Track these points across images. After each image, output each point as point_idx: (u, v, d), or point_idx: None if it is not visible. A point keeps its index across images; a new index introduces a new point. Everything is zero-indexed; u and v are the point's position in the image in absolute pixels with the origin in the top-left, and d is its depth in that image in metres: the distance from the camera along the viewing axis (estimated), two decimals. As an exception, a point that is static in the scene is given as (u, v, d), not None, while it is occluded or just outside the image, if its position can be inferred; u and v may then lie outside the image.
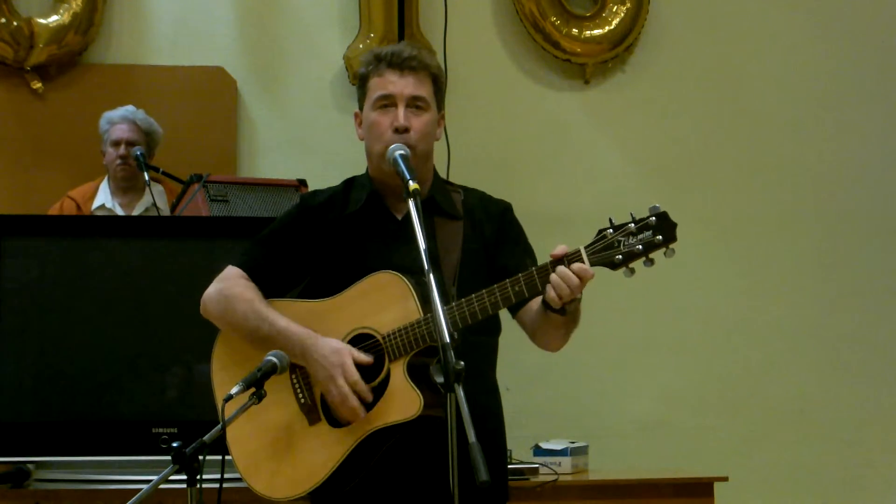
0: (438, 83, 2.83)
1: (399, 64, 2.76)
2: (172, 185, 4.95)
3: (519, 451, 3.83)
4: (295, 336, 2.69)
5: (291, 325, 2.71)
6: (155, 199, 4.75)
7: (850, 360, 5.48)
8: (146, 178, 4.82)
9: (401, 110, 2.74)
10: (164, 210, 4.78)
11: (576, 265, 2.49)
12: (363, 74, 2.81)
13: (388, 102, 2.75)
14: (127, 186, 4.93)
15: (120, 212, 4.90)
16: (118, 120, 4.89)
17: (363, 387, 2.63)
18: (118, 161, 4.86)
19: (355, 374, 2.62)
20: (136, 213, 4.90)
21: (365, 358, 2.65)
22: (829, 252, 5.54)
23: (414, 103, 2.76)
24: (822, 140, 5.60)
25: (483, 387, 2.79)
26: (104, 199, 4.92)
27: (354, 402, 2.62)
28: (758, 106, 5.59)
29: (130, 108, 4.94)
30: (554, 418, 5.03)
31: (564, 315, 2.59)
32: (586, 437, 4.40)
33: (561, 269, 2.50)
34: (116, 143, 4.88)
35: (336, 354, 2.64)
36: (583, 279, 2.49)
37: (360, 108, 2.83)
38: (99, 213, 4.89)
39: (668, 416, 5.35)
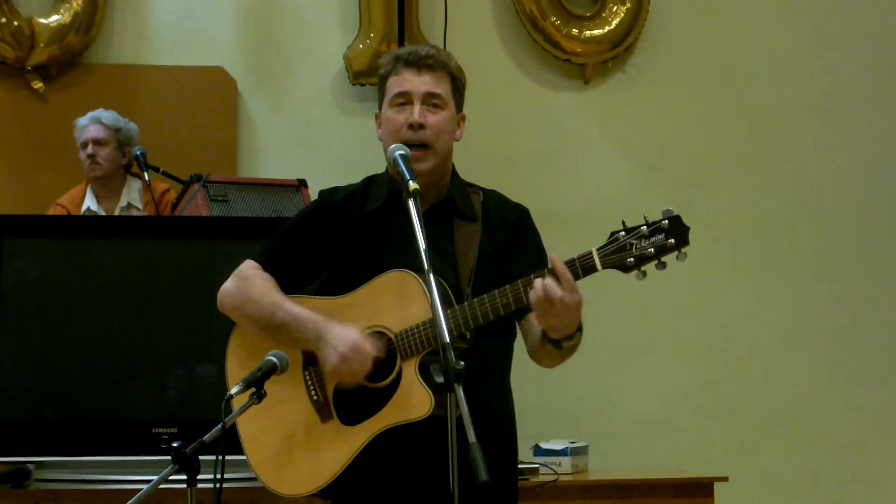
0: (457, 83, 2.84)
1: (416, 62, 2.77)
2: (152, 179, 4.97)
3: (519, 451, 3.83)
4: (311, 322, 2.69)
5: (307, 311, 2.71)
6: (131, 195, 4.78)
7: (850, 360, 5.48)
8: (146, 177, 4.84)
9: (416, 107, 2.75)
10: (140, 207, 4.84)
11: (548, 281, 2.48)
12: (382, 75, 2.83)
13: (404, 100, 2.76)
14: (103, 189, 4.95)
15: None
16: (86, 122, 4.95)
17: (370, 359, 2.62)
18: (87, 161, 4.90)
19: (370, 353, 2.61)
20: (115, 213, 4.93)
21: (375, 352, 2.64)
22: (830, 252, 5.54)
23: (430, 101, 2.76)
24: (822, 139, 5.60)
25: (497, 391, 2.81)
26: (90, 202, 4.95)
27: (358, 361, 2.60)
28: (757, 105, 5.59)
29: (100, 110, 4.98)
30: (554, 418, 5.03)
31: (559, 349, 2.61)
32: (586, 437, 4.40)
33: (537, 280, 2.50)
34: (84, 145, 4.91)
35: (350, 335, 2.63)
36: (549, 296, 2.46)
37: (380, 109, 2.84)
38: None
39: (668, 416, 5.35)
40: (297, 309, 2.72)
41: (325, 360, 2.67)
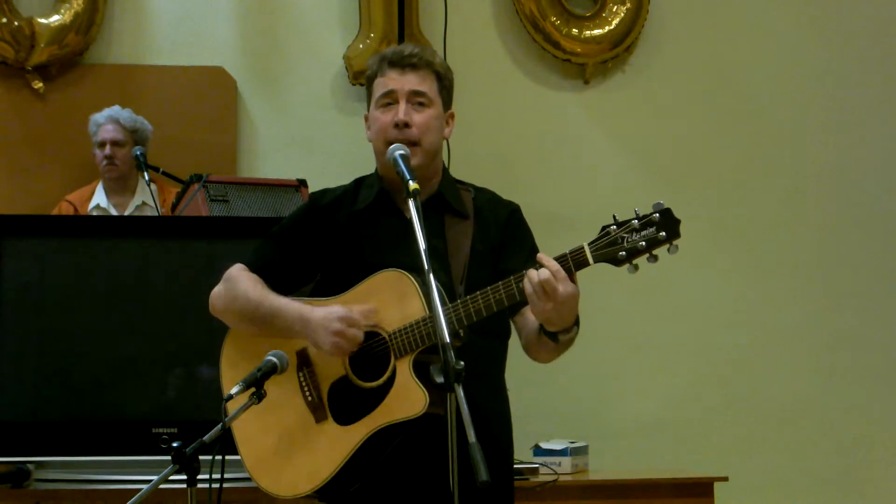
0: (443, 81, 2.84)
1: (399, 62, 2.79)
2: (165, 183, 4.97)
3: (519, 451, 3.83)
4: (293, 308, 2.72)
5: (289, 301, 2.74)
6: (152, 197, 4.78)
7: (850, 360, 5.48)
8: (146, 177, 4.84)
9: (402, 106, 2.76)
10: (156, 208, 4.81)
11: (542, 272, 2.49)
12: (369, 76, 2.85)
13: (390, 100, 2.78)
14: (118, 187, 4.96)
15: (114, 212, 4.93)
16: (103, 121, 4.95)
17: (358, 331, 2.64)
18: (104, 162, 4.92)
19: (354, 315, 2.63)
20: (127, 212, 4.93)
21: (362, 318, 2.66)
22: (829, 252, 5.54)
23: (415, 99, 2.78)
24: (822, 140, 5.60)
25: (491, 390, 2.81)
26: (99, 199, 4.96)
27: (351, 332, 2.62)
28: (757, 105, 5.59)
29: (116, 108, 4.98)
30: (554, 418, 5.03)
31: (556, 342, 2.62)
32: (586, 437, 4.40)
33: (530, 271, 2.51)
34: (101, 145, 4.93)
35: (335, 311, 2.65)
36: (545, 288, 2.47)
37: (369, 110, 2.85)
38: (95, 213, 4.92)
39: (668, 416, 5.35)
40: (281, 300, 2.75)
41: (317, 344, 2.68)
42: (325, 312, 2.66)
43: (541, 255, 2.53)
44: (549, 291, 2.48)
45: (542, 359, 2.76)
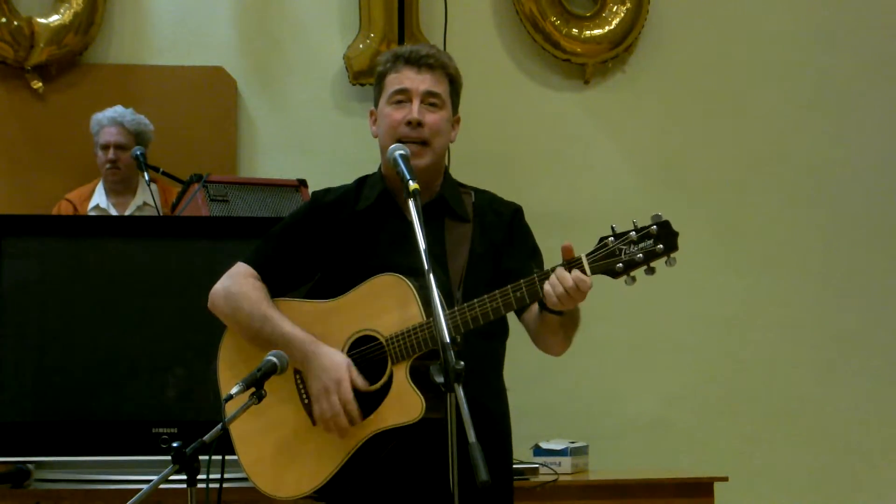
0: (454, 85, 2.86)
1: (416, 61, 2.79)
2: (167, 183, 4.97)
3: (519, 451, 3.84)
4: (297, 342, 2.71)
5: (295, 329, 2.73)
6: (152, 197, 4.78)
7: (850, 360, 5.48)
8: (146, 178, 4.84)
9: (415, 104, 2.76)
10: (156, 208, 4.81)
11: (575, 273, 2.50)
12: (381, 72, 2.85)
13: (403, 97, 2.78)
14: (119, 188, 4.96)
15: (114, 212, 4.93)
16: (106, 122, 4.92)
17: (354, 409, 2.64)
18: (107, 165, 4.90)
19: (349, 394, 2.64)
20: (128, 212, 4.92)
21: (361, 383, 2.66)
22: (830, 252, 5.54)
23: (429, 99, 2.78)
24: (822, 140, 5.60)
25: (490, 390, 2.81)
26: (99, 199, 4.95)
27: (343, 421, 2.65)
28: (757, 106, 5.59)
29: (119, 108, 4.96)
30: (554, 418, 5.03)
31: (561, 315, 2.60)
32: (586, 437, 4.40)
33: (560, 270, 2.51)
34: (105, 147, 4.91)
35: (336, 369, 2.65)
36: (580, 288, 2.49)
37: (376, 106, 2.85)
38: (94, 213, 4.91)
39: (668, 416, 5.35)
40: (286, 326, 2.74)
41: (309, 386, 2.70)
42: (328, 363, 2.66)
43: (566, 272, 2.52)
44: (569, 291, 2.49)
45: (553, 346, 2.74)
